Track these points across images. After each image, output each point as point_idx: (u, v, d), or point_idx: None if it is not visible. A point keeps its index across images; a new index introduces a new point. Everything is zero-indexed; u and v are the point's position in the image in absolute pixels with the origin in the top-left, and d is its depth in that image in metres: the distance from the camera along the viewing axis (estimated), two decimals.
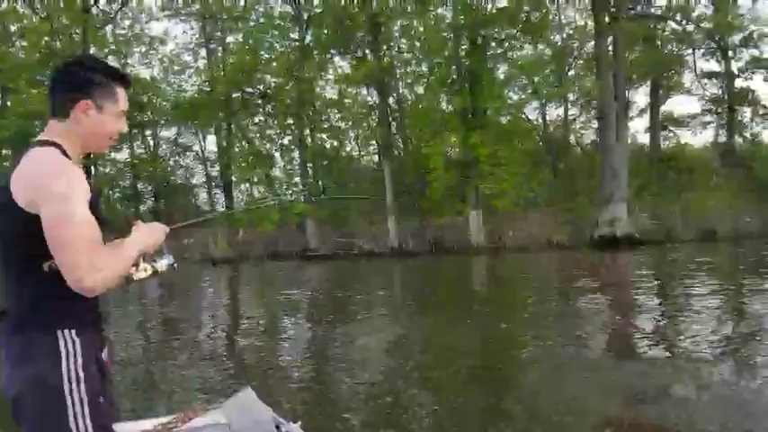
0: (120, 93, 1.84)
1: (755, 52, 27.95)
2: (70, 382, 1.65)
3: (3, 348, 1.70)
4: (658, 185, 27.14)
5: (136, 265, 1.82)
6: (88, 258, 1.58)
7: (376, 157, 33.88)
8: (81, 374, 1.66)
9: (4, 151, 28.56)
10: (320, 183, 31.22)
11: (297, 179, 29.50)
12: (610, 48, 23.43)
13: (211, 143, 36.48)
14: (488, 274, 18.01)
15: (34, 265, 1.66)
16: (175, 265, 1.94)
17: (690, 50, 29.63)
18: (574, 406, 4.65)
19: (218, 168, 33.11)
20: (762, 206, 24.04)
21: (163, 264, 1.89)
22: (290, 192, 29.79)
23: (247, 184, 32.07)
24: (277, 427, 2.59)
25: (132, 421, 2.76)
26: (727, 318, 8.57)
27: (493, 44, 24.29)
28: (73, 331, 1.68)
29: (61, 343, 1.66)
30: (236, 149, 30.62)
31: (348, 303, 12.25)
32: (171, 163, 34.58)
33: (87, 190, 1.66)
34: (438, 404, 5.06)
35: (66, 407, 1.63)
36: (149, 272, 1.85)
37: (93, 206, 1.70)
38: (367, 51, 26.34)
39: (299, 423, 2.72)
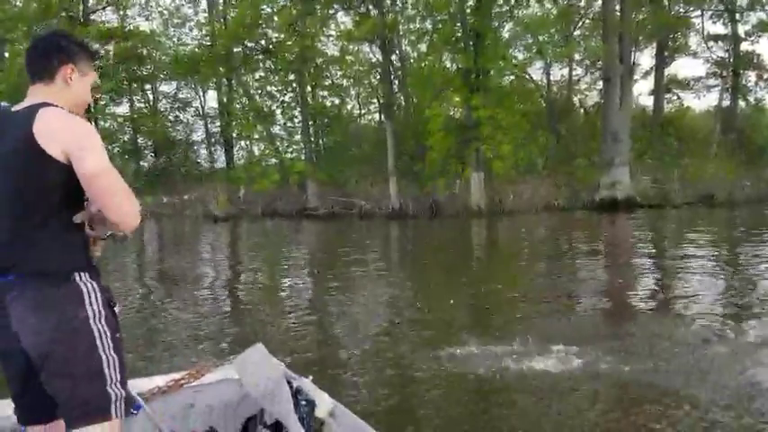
0: (93, 66, 2.04)
1: (763, 15, 27.56)
2: (95, 318, 1.80)
3: (17, 301, 1.77)
4: (659, 150, 27.11)
5: None
6: (130, 200, 1.79)
7: (377, 116, 33.67)
8: (102, 311, 1.82)
9: (3, 103, 28.24)
10: (321, 141, 31.10)
11: (297, 137, 29.38)
12: (617, 8, 23.10)
13: (212, 99, 36.12)
14: (488, 235, 18.19)
15: (54, 214, 1.79)
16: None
17: (697, 12, 29.18)
18: (581, 376, 4.63)
19: (218, 124, 32.83)
20: (760, 172, 24.16)
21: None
22: (291, 151, 29.69)
23: (248, 141, 31.87)
24: (289, 382, 2.58)
25: (146, 378, 2.81)
26: (723, 275, 8.81)
27: (499, 1, 23.86)
28: (87, 274, 1.84)
29: (81, 285, 1.81)
30: (237, 106, 30.32)
31: (345, 260, 12.38)
32: (171, 118, 34.23)
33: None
34: (434, 357, 5.12)
35: (95, 339, 1.79)
36: None
37: None
38: (370, 7, 25.84)
39: (311, 378, 2.70)
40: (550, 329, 5.77)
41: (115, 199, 1.76)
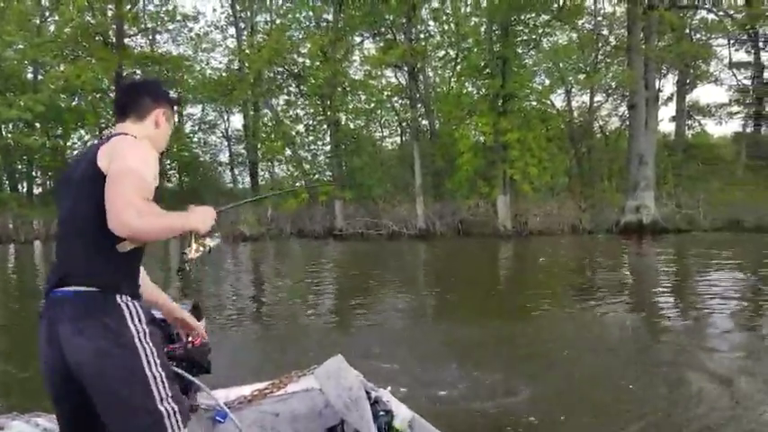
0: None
1: None
2: (139, 336, 1.80)
3: (63, 317, 1.80)
4: (683, 174, 27.29)
5: (189, 246, 2.09)
6: (137, 202, 1.71)
7: (398, 139, 34.08)
8: (146, 329, 1.83)
9: (37, 125, 28.94)
10: (344, 164, 31.44)
11: (322, 158, 29.80)
12: (641, 35, 23.49)
13: (236, 121, 36.66)
14: (515, 256, 18.33)
15: (108, 235, 1.75)
16: (221, 242, 2.22)
17: (719, 40, 29.58)
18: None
19: (242, 147, 33.28)
20: None
21: (212, 243, 2.14)
22: (315, 173, 30.07)
23: (273, 163, 32.27)
24: (367, 393, 2.62)
25: (232, 387, 2.91)
26: (745, 302, 8.75)
27: (526, 30, 24.36)
28: (129, 296, 1.86)
29: (123, 306, 1.83)
30: (264, 128, 30.82)
31: (372, 279, 12.62)
32: (195, 140, 34.68)
33: (157, 170, 1.89)
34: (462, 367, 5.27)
35: (140, 357, 1.78)
36: (201, 251, 2.10)
37: None
38: (398, 35, 26.41)
39: (389, 389, 2.75)
40: None
41: (120, 198, 1.71)
